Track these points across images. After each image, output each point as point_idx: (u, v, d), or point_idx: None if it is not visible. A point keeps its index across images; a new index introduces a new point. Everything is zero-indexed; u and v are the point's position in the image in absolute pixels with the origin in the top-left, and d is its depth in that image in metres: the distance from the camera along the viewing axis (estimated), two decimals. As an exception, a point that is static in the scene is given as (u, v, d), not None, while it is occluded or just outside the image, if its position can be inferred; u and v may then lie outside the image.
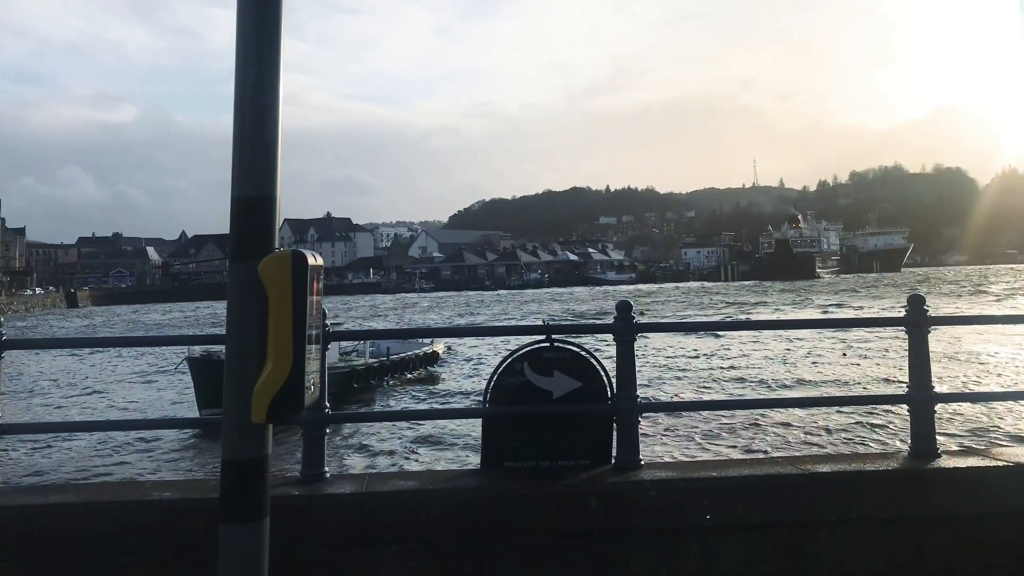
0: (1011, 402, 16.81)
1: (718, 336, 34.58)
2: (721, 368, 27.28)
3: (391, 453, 16.56)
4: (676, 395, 22.16)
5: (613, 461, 5.66)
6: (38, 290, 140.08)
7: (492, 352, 32.91)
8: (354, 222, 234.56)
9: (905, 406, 6.19)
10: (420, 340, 30.20)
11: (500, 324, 53.06)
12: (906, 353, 5.99)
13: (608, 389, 5.72)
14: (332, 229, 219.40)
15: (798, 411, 17.47)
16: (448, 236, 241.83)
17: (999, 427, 16.27)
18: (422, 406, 23.55)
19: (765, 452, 14.73)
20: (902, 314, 6.01)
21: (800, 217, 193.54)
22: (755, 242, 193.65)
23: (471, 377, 28.32)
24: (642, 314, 35.94)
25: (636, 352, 5.77)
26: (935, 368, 6.25)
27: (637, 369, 5.79)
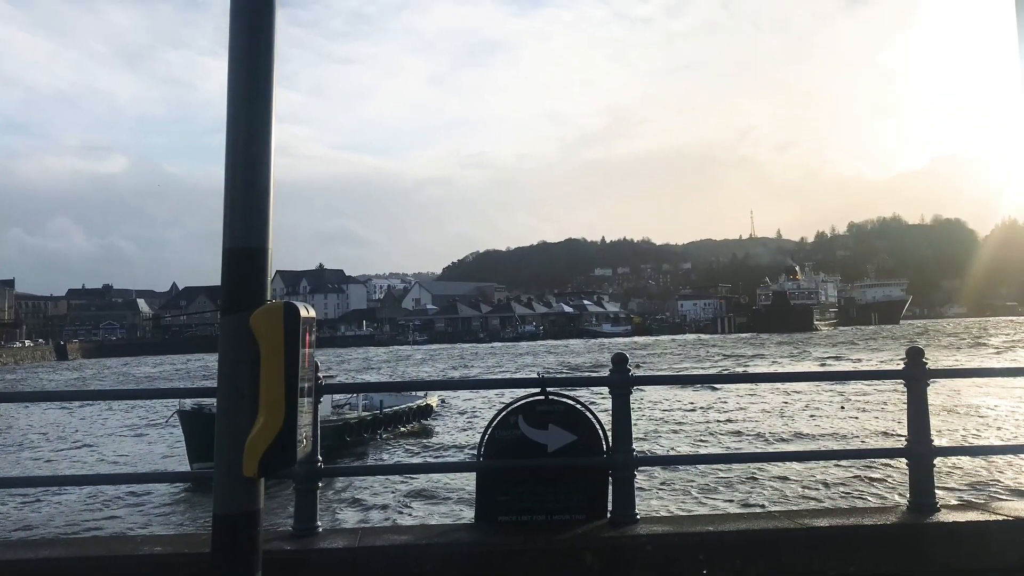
0: (1011, 455, 16.74)
1: (715, 389, 34.47)
2: (718, 421, 27.15)
3: (384, 507, 16.39)
4: (672, 449, 22.02)
5: (609, 515, 5.60)
6: (27, 342, 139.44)
7: (486, 405, 32.77)
8: (347, 274, 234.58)
9: (904, 459, 6.15)
10: (414, 393, 30.07)
11: (494, 377, 52.95)
12: (905, 406, 5.96)
13: (604, 442, 5.68)
14: (325, 281, 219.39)
15: (796, 465, 17.35)
16: (442, 288, 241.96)
17: (999, 481, 16.15)
18: (416, 459, 23.36)
19: (762, 506, 14.59)
20: (901, 367, 5.99)
21: (798, 269, 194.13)
22: (752, 294, 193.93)
23: (465, 430, 28.13)
24: (637, 367, 35.95)
25: (632, 405, 5.74)
26: (934, 421, 6.22)
27: (633, 422, 5.76)
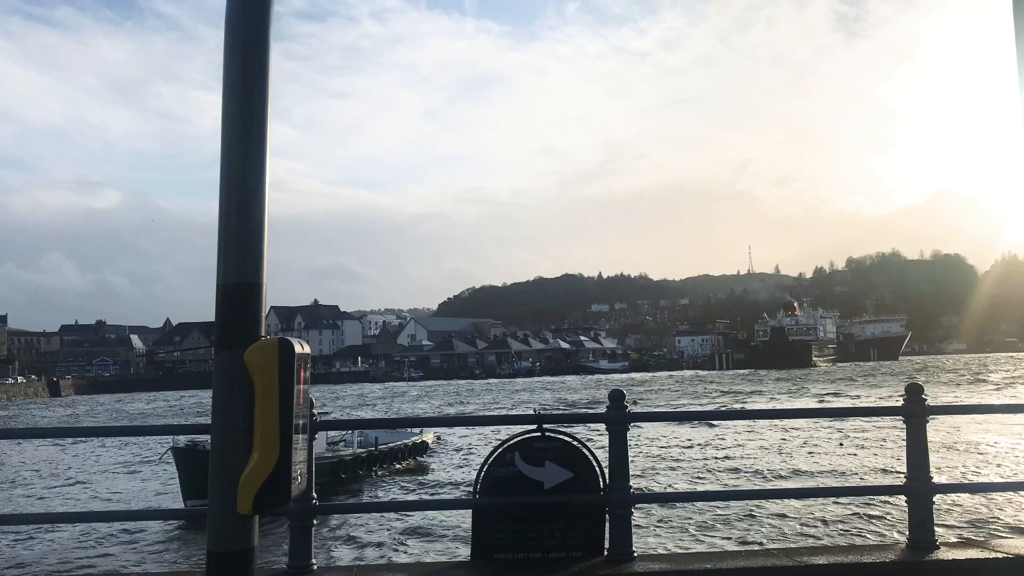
0: (1011, 493, 16.64)
1: (712, 425, 34.34)
2: (716, 458, 27.01)
3: (380, 545, 16.24)
4: (670, 486, 21.88)
5: (606, 553, 5.55)
6: (20, 379, 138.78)
7: (482, 442, 32.58)
8: (342, 309, 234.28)
9: (903, 497, 6.11)
10: (409, 430, 29.92)
11: (490, 414, 52.72)
12: (904, 443, 5.93)
13: (600, 479, 5.65)
14: (319, 317, 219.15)
15: (794, 502, 17.24)
16: (437, 324, 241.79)
17: (999, 518, 16.04)
18: (411, 497, 23.21)
19: (760, 544, 14.47)
20: (900, 403, 5.97)
21: (796, 305, 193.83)
22: (750, 330, 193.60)
23: (461, 467, 27.96)
24: (635, 403, 35.72)
25: (629, 442, 5.71)
26: (933, 458, 6.19)
27: (630, 459, 5.72)
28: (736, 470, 24.34)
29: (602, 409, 5.83)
